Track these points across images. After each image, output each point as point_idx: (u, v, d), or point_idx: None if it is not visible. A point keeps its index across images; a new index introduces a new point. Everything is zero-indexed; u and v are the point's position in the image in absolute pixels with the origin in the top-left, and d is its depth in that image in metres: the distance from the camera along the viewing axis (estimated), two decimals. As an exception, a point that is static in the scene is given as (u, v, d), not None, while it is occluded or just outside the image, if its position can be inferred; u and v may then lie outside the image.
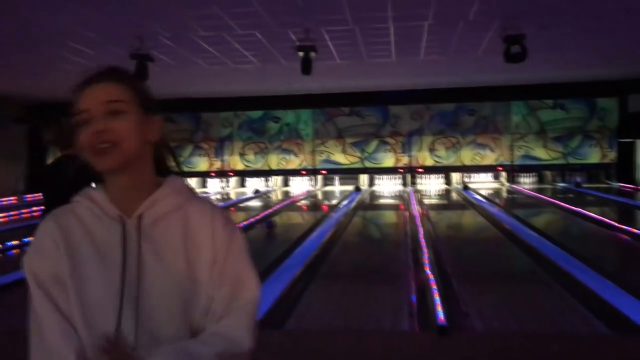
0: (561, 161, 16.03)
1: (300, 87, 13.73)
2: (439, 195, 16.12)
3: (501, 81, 14.02)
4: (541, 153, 16.06)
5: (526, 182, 17.58)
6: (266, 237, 8.81)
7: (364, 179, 17.59)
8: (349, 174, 17.15)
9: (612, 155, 15.74)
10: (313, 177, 17.82)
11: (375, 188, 17.46)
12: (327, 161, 16.81)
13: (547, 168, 16.74)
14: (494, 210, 11.46)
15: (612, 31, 8.54)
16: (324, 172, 17.06)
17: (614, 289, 5.15)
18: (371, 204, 14.18)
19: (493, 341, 4.09)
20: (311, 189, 17.49)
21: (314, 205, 14.27)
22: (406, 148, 16.49)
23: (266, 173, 17.40)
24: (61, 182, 3.90)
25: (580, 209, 10.42)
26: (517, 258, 7.20)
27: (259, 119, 16.91)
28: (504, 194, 15.86)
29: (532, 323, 4.50)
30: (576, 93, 15.21)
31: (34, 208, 11.46)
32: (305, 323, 4.59)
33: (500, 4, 7.00)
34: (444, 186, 17.50)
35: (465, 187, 16.36)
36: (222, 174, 17.28)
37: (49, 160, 4.06)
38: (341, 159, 16.75)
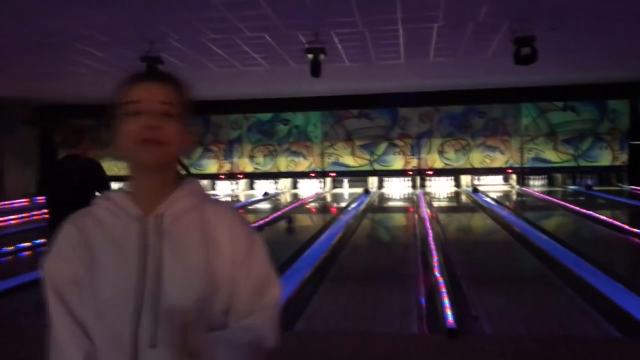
0: (571, 163, 15.93)
1: (309, 90, 13.74)
2: (448, 197, 16.07)
3: (511, 83, 13.96)
4: (551, 155, 15.97)
5: (536, 185, 17.50)
6: (283, 234, 8.84)
7: (373, 181, 17.57)
8: (358, 176, 17.14)
9: (623, 158, 15.63)
10: (322, 180, 17.83)
11: (384, 190, 17.44)
12: (336, 163, 16.81)
13: (557, 170, 16.65)
14: (503, 212, 11.41)
15: (623, 32, 8.49)
16: (333, 174, 17.06)
17: (625, 292, 5.11)
18: (380, 206, 14.16)
19: (502, 344, 4.07)
20: (320, 191, 17.49)
21: (323, 207, 14.28)
22: (415, 150, 16.46)
23: (275, 175, 17.42)
24: (65, 182, 3.92)
25: (590, 212, 10.35)
26: (527, 261, 7.17)
27: (268, 122, 16.95)
28: (514, 197, 15.79)
29: (541, 326, 4.47)
30: (587, 95, 15.12)
31: (45, 210, 11.53)
32: (314, 325, 4.59)
33: (510, 5, 6.97)
34: (454, 189, 17.45)
35: (475, 190, 16.29)
36: (231, 176, 17.32)
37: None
38: (350, 161, 16.75)
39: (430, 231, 8.60)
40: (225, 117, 16.79)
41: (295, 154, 16.95)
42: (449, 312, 4.44)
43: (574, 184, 17.10)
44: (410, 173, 16.71)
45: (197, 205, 1.30)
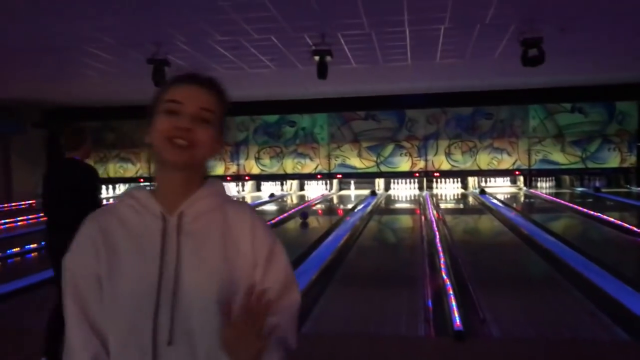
0: (579, 165, 15.85)
1: (316, 91, 13.74)
2: (455, 199, 16.03)
3: (518, 85, 13.91)
4: (559, 157, 15.90)
5: (544, 187, 17.44)
6: (290, 235, 8.81)
7: (379, 183, 17.56)
8: (364, 178, 17.13)
9: (631, 160, 15.54)
10: (328, 181, 17.83)
11: (391, 192, 17.42)
12: (343, 165, 16.80)
13: (565, 172, 16.58)
14: (511, 215, 11.37)
15: (631, 34, 8.44)
16: (339, 176, 17.05)
17: (633, 294, 5.08)
18: (387, 208, 14.14)
19: (509, 347, 4.05)
20: (327, 193, 17.50)
21: (330, 209, 14.27)
22: (422, 152, 16.43)
23: (282, 177, 17.44)
24: (61, 185, 3.90)
25: (599, 214, 10.30)
26: (535, 263, 7.14)
27: (274, 123, 16.96)
28: (522, 199, 15.74)
29: (549, 329, 4.45)
30: (595, 96, 15.04)
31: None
32: (321, 327, 4.58)
33: (517, 7, 6.95)
34: (461, 190, 17.42)
35: (482, 192, 16.26)
36: (237, 178, 17.35)
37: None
38: (357, 163, 16.74)
39: (437, 233, 8.58)
40: (231, 119, 16.80)
41: (302, 155, 16.95)
42: (456, 315, 4.43)
43: (582, 186, 17.03)
44: (417, 175, 16.68)
45: (219, 205, 1.31)
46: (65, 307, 1.25)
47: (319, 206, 14.54)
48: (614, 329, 4.37)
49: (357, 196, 16.45)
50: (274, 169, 17.08)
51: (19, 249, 7.92)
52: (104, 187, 18.78)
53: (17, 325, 4.75)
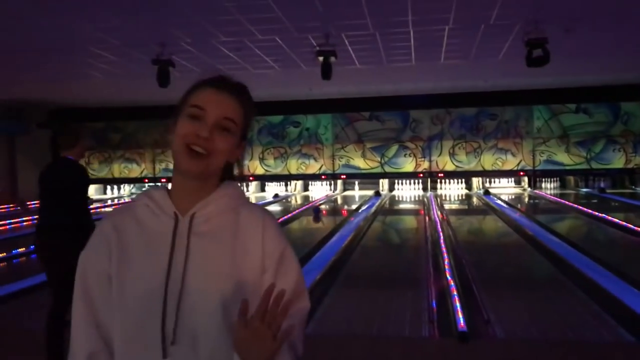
0: (584, 166, 15.81)
1: (320, 92, 13.75)
2: (459, 200, 16.01)
3: (523, 85, 13.88)
4: (564, 158, 15.85)
5: (548, 187, 17.40)
6: (293, 236, 8.81)
7: (383, 183, 17.55)
8: (368, 178, 17.12)
9: (636, 160, 15.49)
10: (333, 182, 17.83)
11: (395, 193, 17.41)
12: (347, 166, 16.79)
13: (569, 173, 16.54)
14: (515, 215, 11.35)
15: (636, 34, 8.42)
16: (343, 176, 17.05)
17: (639, 296, 5.06)
18: (391, 208, 14.13)
19: (514, 348, 4.04)
20: (331, 193, 17.50)
21: (334, 210, 14.27)
22: (426, 153, 16.41)
23: (286, 178, 17.45)
24: (53, 184, 3.86)
25: (603, 215, 10.27)
26: (539, 264, 7.12)
27: (279, 124, 16.97)
28: (526, 200, 15.70)
29: (554, 330, 4.44)
30: (600, 97, 15.00)
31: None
32: (324, 328, 4.58)
33: (522, 7, 6.94)
34: (465, 191, 17.39)
35: (487, 192, 16.23)
36: (241, 178, 17.28)
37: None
38: (361, 163, 16.73)
39: (441, 234, 8.57)
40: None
41: (306, 156, 16.95)
42: (460, 316, 4.42)
43: (586, 187, 16.98)
44: (421, 175, 16.67)
45: (232, 208, 1.30)
46: (73, 303, 1.27)
47: (323, 207, 14.54)
48: (618, 330, 4.36)
49: (361, 197, 16.45)
50: (278, 170, 17.09)
51: (24, 249, 7.94)
52: (108, 187, 18.85)
53: (20, 325, 4.76)
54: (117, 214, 1.33)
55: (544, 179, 17.28)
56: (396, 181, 17.61)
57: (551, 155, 15.92)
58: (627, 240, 8.39)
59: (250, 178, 17.34)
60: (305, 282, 1.33)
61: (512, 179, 17.66)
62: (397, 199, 16.33)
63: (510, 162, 16.14)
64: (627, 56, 10.26)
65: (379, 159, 16.61)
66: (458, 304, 4.72)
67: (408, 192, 17.42)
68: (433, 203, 13.66)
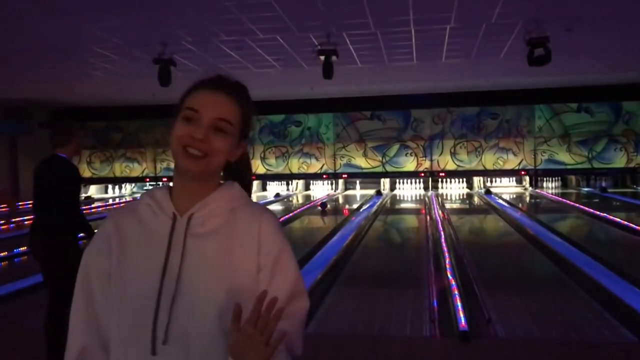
0: (586, 165, 15.79)
1: (321, 91, 13.75)
2: (460, 199, 16.00)
3: (524, 84, 13.87)
4: (565, 157, 15.84)
5: (550, 187, 17.38)
6: (294, 235, 8.82)
7: (385, 183, 17.55)
8: (370, 178, 17.12)
9: (638, 160, 15.47)
10: (334, 181, 17.83)
11: (396, 192, 17.41)
12: (348, 165, 16.79)
13: (571, 172, 16.52)
14: (516, 215, 11.34)
15: (638, 33, 8.40)
16: (345, 176, 17.05)
17: (641, 295, 5.06)
18: (392, 208, 14.13)
19: (515, 348, 4.04)
20: (332, 193, 17.50)
21: (335, 209, 14.27)
22: (428, 152, 16.40)
23: (287, 177, 17.45)
24: (45, 184, 3.80)
25: (605, 214, 10.26)
26: (541, 264, 7.11)
27: (280, 123, 16.98)
28: (527, 199, 15.69)
29: (555, 330, 4.43)
30: (601, 96, 14.99)
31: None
32: (326, 327, 4.58)
33: (523, 6, 6.93)
34: (466, 190, 17.39)
35: (488, 192, 16.23)
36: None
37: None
38: (362, 162, 16.73)
39: (442, 233, 8.57)
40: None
41: (308, 155, 16.95)
42: (461, 315, 4.42)
43: (588, 186, 16.97)
44: (423, 175, 16.66)
45: (232, 209, 1.30)
46: (74, 299, 1.30)
47: (319, 209, 14.52)
48: (620, 330, 4.35)
49: (362, 196, 16.45)
50: (280, 169, 17.09)
51: (25, 248, 7.94)
52: (110, 186, 18.87)
53: (21, 324, 4.77)
54: (120, 213, 1.34)
55: (545, 179, 17.27)
56: (397, 180, 17.61)
57: (553, 155, 15.90)
58: (629, 240, 8.38)
59: (252, 177, 17.31)
60: (303, 281, 1.32)
61: (514, 178, 17.66)
62: (398, 198, 16.33)
63: (512, 162, 16.13)
64: (629, 55, 10.24)
65: (380, 158, 16.60)
66: (459, 304, 4.72)
67: (409, 192, 17.41)
68: (434, 202, 13.66)
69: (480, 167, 16.30)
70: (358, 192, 17.78)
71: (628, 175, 16.49)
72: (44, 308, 3.73)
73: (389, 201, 15.23)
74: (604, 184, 16.45)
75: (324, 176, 17.08)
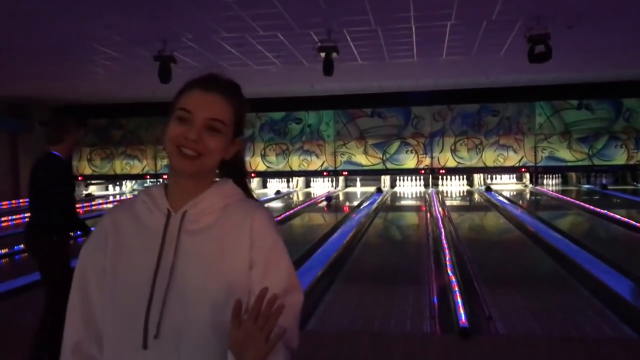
0: (586, 162, 15.77)
1: (322, 88, 13.74)
2: (461, 196, 16.01)
3: (525, 81, 13.85)
4: (566, 154, 15.82)
5: (550, 184, 17.38)
6: (295, 233, 8.83)
7: (385, 180, 17.55)
8: (370, 175, 17.11)
9: (638, 157, 15.45)
10: (334, 179, 17.82)
11: (396, 189, 17.41)
12: (349, 162, 16.78)
13: (571, 169, 16.51)
14: (517, 212, 11.34)
15: (639, 30, 8.39)
16: (345, 173, 17.05)
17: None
18: (392, 205, 14.13)
19: (516, 344, 4.05)
20: (332, 190, 17.50)
21: (335, 206, 14.28)
22: (428, 149, 16.39)
23: (288, 174, 17.44)
24: (37, 183, 3.75)
25: (605, 211, 10.26)
26: (541, 261, 7.12)
27: (280, 120, 16.96)
28: (528, 196, 15.70)
29: (555, 326, 4.44)
30: (602, 93, 14.97)
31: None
32: (326, 324, 4.58)
33: (524, 3, 6.92)
34: (466, 188, 17.39)
35: (488, 189, 16.23)
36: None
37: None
38: (363, 160, 16.71)
39: (442, 230, 8.57)
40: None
41: (308, 152, 16.94)
42: (461, 312, 4.42)
43: (588, 183, 16.96)
44: (423, 172, 16.65)
45: (225, 205, 1.31)
46: (70, 296, 1.32)
47: (324, 203, 14.54)
48: (620, 327, 4.36)
49: (362, 193, 16.45)
50: (280, 166, 17.08)
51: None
52: (110, 184, 18.88)
53: (22, 322, 4.78)
54: (117, 209, 1.36)
55: (545, 176, 17.27)
56: (398, 178, 17.60)
57: (553, 152, 15.89)
58: (629, 237, 8.39)
59: (252, 174, 17.34)
60: (297, 275, 1.33)
61: (514, 175, 17.65)
62: (398, 195, 16.34)
63: (512, 159, 16.11)
64: (630, 52, 10.23)
65: (381, 156, 16.59)
66: (459, 300, 4.72)
67: (410, 189, 17.42)
68: (434, 199, 13.66)
69: (481, 164, 16.29)
70: (358, 189, 17.78)
71: (628, 172, 16.47)
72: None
73: (389, 198, 15.23)
74: (604, 181, 16.45)
75: (325, 173, 17.08)
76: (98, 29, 7.56)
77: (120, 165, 17.54)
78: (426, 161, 16.41)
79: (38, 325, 3.64)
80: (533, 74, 11.92)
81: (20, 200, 14.50)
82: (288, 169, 17.07)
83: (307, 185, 18.47)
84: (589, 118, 15.55)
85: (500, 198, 14.12)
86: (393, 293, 5.54)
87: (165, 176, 16.72)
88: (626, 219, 9.27)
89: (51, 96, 14.30)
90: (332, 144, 16.78)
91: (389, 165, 16.60)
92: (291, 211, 12.08)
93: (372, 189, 17.01)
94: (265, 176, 17.71)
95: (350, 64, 10.08)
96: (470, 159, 16.27)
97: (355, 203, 13.89)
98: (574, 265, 6.23)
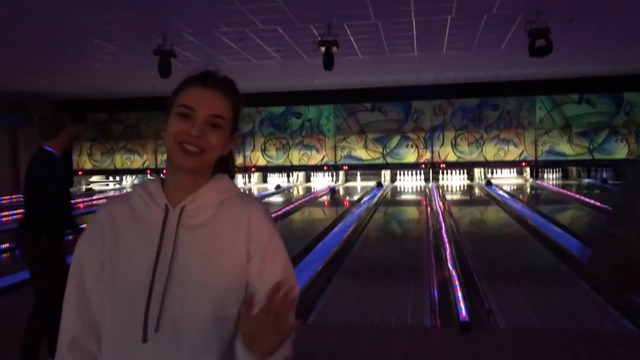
0: (586, 157, 15.76)
1: (322, 83, 13.71)
2: (461, 191, 16.01)
3: (525, 75, 13.83)
4: (566, 148, 15.81)
5: (550, 178, 17.38)
6: (295, 227, 8.85)
7: (385, 174, 17.55)
8: (370, 169, 17.11)
9: (639, 151, 15.44)
10: (335, 173, 17.82)
11: (397, 184, 17.41)
12: (349, 157, 16.78)
13: (572, 164, 16.50)
14: (517, 206, 11.34)
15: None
16: (345, 167, 17.04)
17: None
18: (393, 199, 14.14)
19: (515, 338, 4.05)
20: (333, 184, 17.50)
21: (335, 201, 14.28)
22: (428, 143, 16.39)
23: (288, 169, 17.44)
24: (30, 181, 3.63)
25: (606, 205, 10.26)
26: (541, 255, 7.12)
27: (280, 115, 16.95)
28: (528, 190, 15.69)
29: (556, 321, 4.45)
30: (602, 87, 14.94)
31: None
32: (326, 319, 4.59)
33: (524, -3, 6.90)
34: (467, 182, 17.38)
35: (488, 183, 16.22)
36: (244, 169, 17.37)
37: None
38: (363, 154, 16.71)
39: (443, 224, 8.58)
40: (238, 110, 16.75)
41: (308, 147, 16.93)
42: (462, 306, 4.43)
43: (589, 177, 16.95)
44: (423, 166, 16.65)
45: (222, 200, 1.33)
46: (66, 292, 1.32)
47: (324, 198, 14.54)
48: (621, 321, 4.36)
49: (363, 188, 16.45)
50: (280, 161, 17.08)
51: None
52: (110, 178, 18.88)
53: (24, 316, 4.77)
54: (113, 203, 1.36)
55: (546, 170, 17.26)
56: (398, 172, 17.60)
57: (553, 146, 15.88)
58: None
59: (252, 169, 17.34)
60: (293, 270, 1.34)
61: (514, 169, 17.64)
62: (399, 189, 16.34)
63: (513, 153, 16.11)
64: (631, 46, 10.20)
65: (381, 150, 16.58)
66: (460, 295, 4.73)
67: (410, 183, 17.41)
68: (435, 194, 13.66)
69: (481, 159, 16.29)
70: (359, 183, 17.78)
71: (629, 166, 16.46)
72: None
73: (389, 193, 15.23)
74: (604, 175, 16.44)
75: (325, 168, 17.07)
76: (98, 23, 7.54)
77: (120, 160, 17.54)
78: (426, 155, 16.41)
79: (26, 326, 3.56)
80: (533, 68, 11.89)
81: (21, 195, 14.53)
82: (288, 163, 17.06)
83: (307, 179, 18.47)
84: (589, 112, 15.53)
85: (501, 192, 14.12)
86: (393, 287, 5.54)
87: (165, 171, 16.74)
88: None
89: (51, 91, 14.28)
90: (332, 138, 16.78)
91: (390, 160, 16.60)
92: (291, 206, 12.08)
93: (372, 183, 17.01)
94: (265, 171, 17.71)
95: (351, 58, 10.05)
96: (470, 154, 16.26)
97: (356, 197, 13.88)
98: (575, 260, 6.23)
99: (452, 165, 16.60)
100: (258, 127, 16.95)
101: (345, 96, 15.79)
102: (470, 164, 16.60)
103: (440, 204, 11.60)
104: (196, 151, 1.26)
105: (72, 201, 3.98)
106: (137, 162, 17.48)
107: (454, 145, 16.30)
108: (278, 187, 17.03)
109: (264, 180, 18.44)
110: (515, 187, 15.94)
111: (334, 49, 8.24)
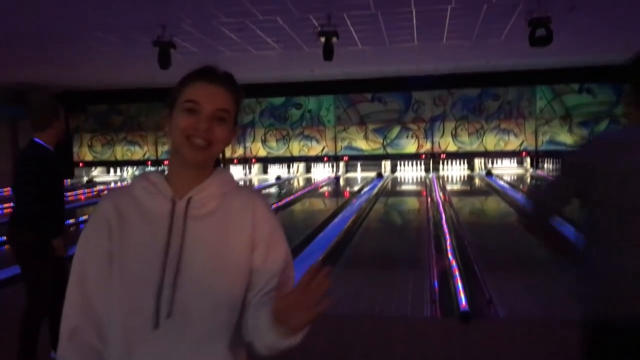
0: (587, 146, 15.70)
1: (322, 74, 13.69)
2: (461, 181, 16.01)
3: (526, 65, 13.79)
4: (566, 138, 15.80)
5: (551, 168, 17.38)
6: (296, 218, 8.87)
7: (386, 165, 17.54)
8: (371, 160, 17.11)
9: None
10: (335, 164, 17.83)
11: (397, 174, 17.41)
12: (349, 147, 16.77)
13: (572, 153, 16.47)
14: (518, 196, 11.35)
15: (641, 13, 8.33)
16: (345, 158, 17.04)
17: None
18: (393, 190, 14.14)
19: (516, 328, 4.07)
20: (333, 175, 17.51)
21: (336, 191, 14.29)
22: (429, 134, 16.38)
23: (288, 160, 17.45)
24: (19, 175, 3.37)
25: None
26: (541, 245, 7.12)
27: (280, 106, 16.93)
28: (528, 180, 15.70)
29: (556, 310, 4.46)
30: (603, 77, 14.90)
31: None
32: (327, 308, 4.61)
33: (525, -14, 6.87)
34: (467, 172, 17.38)
35: (489, 173, 16.22)
36: (244, 160, 17.37)
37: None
38: (363, 145, 16.71)
39: (443, 215, 8.59)
40: (238, 101, 16.73)
41: (308, 138, 16.93)
42: (462, 296, 4.45)
43: (589, 168, 16.94)
44: (424, 157, 16.65)
45: (226, 192, 1.39)
46: (68, 285, 1.35)
47: (325, 188, 14.55)
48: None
49: (363, 178, 16.46)
50: (281, 152, 17.08)
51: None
52: (111, 169, 18.88)
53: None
54: (116, 195, 1.39)
55: (546, 160, 17.24)
56: (398, 162, 17.59)
57: (554, 136, 15.87)
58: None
59: (253, 160, 17.34)
60: (292, 261, 1.41)
61: (515, 159, 17.63)
62: (399, 180, 16.34)
63: (513, 143, 16.10)
64: (631, 35, 10.17)
65: (381, 141, 16.58)
66: (460, 284, 4.75)
67: (410, 174, 17.41)
68: (435, 184, 13.67)
69: (482, 149, 16.29)
70: (359, 174, 17.78)
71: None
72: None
73: (390, 183, 15.24)
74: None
75: (325, 159, 17.08)
76: (98, 14, 7.52)
77: (121, 152, 17.54)
78: (427, 146, 16.40)
79: (22, 320, 3.47)
80: (534, 58, 11.86)
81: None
82: (288, 154, 17.07)
83: (308, 170, 18.47)
84: (590, 102, 15.51)
85: (501, 182, 14.12)
86: (394, 277, 5.56)
87: (166, 162, 16.73)
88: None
89: (51, 82, 14.26)
90: (333, 129, 16.76)
91: (390, 150, 16.60)
92: (292, 197, 12.10)
93: (372, 174, 17.01)
94: (265, 162, 17.72)
95: (351, 48, 10.03)
96: (471, 144, 16.26)
97: (356, 188, 13.89)
98: (575, 250, 6.23)
99: (452, 156, 16.60)
100: (258, 118, 16.94)
101: (345, 87, 15.77)
102: (471, 154, 16.60)
103: (441, 194, 11.61)
104: (204, 145, 1.30)
105: (66, 198, 3.77)
106: (137, 153, 17.49)
107: (454, 136, 16.30)
108: (278, 178, 17.04)
109: (264, 171, 18.44)
110: (515, 177, 15.94)
111: (334, 39, 8.22)
